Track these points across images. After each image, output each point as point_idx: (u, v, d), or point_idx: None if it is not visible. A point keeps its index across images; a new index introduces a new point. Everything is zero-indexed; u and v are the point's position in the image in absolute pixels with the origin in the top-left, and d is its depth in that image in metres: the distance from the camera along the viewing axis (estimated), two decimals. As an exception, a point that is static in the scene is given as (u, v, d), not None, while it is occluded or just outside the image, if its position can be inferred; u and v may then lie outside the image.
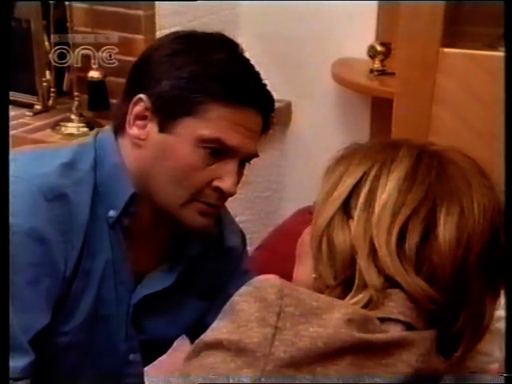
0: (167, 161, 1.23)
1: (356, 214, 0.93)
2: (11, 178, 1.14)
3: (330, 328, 0.83)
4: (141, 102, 1.23)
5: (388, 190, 0.92)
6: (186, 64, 1.22)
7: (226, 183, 1.23)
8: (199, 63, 1.22)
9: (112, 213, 1.26)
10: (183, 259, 1.35)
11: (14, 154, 1.26)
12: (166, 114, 1.22)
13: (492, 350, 1.03)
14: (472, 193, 0.93)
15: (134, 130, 1.25)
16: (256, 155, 1.28)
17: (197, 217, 1.25)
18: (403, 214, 0.90)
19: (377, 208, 0.91)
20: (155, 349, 1.42)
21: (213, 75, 1.21)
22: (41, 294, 1.18)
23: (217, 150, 1.22)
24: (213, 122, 1.20)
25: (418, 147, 0.97)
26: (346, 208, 0.94)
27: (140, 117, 1.24)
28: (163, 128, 1.22)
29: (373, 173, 0.94)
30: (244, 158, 1.26)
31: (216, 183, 1.23)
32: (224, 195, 1.25)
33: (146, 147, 1.24)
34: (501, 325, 1.02)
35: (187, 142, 1.21)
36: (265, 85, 1.28)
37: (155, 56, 1.26)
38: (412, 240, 0.90)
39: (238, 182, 1.26)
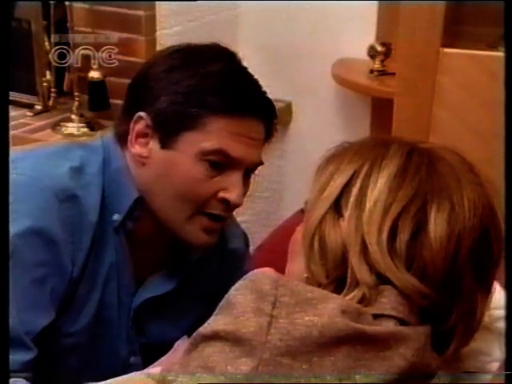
0: (171, 177, 1.23)
1: (347, 212, 0.93)
2: (23, 177, 1.15)
3: (325, 317, 0.84)
4: (141, 120, 1.24)
5: (378, 187, 0.92)
6: (183, 78, 1.22)
7: (231, 194, 1.23)
8: (195, 76, 1.22)
9: (116, 216, 1.26)
10: (185, 263, 1.35)
11: (23, 152, 1.27)
12: (167, 131, 1.22)
13: (492, 350, 1.03)
14: (462, 189, 0.93)
15: (136, 149, 1.25)
16: (260, 163, 1.27)
17: (200, 234, 1.25)
18: (394, 211, 0.91)
19: (367, 206, 0.92)
20: (156, 351, 1.42)
21: (209, 88, 1.21)
22: (46, 293, 1.19)
23: (220, 162, 1.21)
24: (214, 134, 1.20)
25: (408, 145, 0.97)
26: (337, 207, 0.94)
27: (141, 135, 1.24)
28: (165, 144, 1.22)
29: (363, 171, 0.94)
30: (249, 168, 1.26)
31: (222, 194, 1.23)
32: (230, 206, 1.25)
33: (149, 165, 1.25)
34: (501, 325, 1.02)
35: (190, 156, 1.21)
36: (264, 92, 1.27)
37: (152, 73, 1.26)
38: (403, 237, 0.90)
39: (244, 193, 1.25)
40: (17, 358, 1.10)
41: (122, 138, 1.28)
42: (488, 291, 0.96)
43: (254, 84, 1.26)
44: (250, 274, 0.90)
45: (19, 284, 1.09)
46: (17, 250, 1.12)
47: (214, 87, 1.21)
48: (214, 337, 0.85)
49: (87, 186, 1.24)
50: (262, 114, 1.25)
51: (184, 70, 1.23)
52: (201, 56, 1.26)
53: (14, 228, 1.08)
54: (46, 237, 1.17)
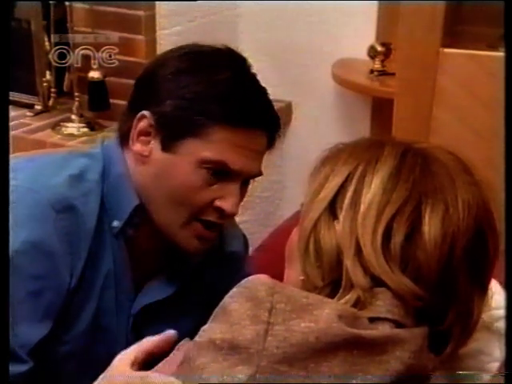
0: (169, 180, 1.22)
1: (342, 214, 0.92)
2: (20, 189, 1.14)
3: (322, 323, 0.83)
4: (144, 119, 1.23)
5: (373, 189, 0.92)
6: (190, 84, 1.21)
7: (227, 203, 1.23)
8: (203, 83, 1.21)
9: (116, 223, 1.26)
10: (184, 267, 1.34)
11: (22, 161, 1.26)
12: (169, 134, 1.22)
13: (492, 350, 1.03)
14: (456, 190, 0.93)
15: (137, 146, 1.25)
16: (259, 174, 1.27)
17: (193, 240, 1.25)
18: (388, 212, 0.90)
19: (362, 207, 0.91)
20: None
21: (215, 97, 1.20)
22: (42, 306, 1.18)
23: (219, 172, 1.21)
24: (216, 144, 1.20)
25: (403, 146, 0.97)
26: (332, 208, 0.94)
27: (143, 133, 1.24)
28: (166, 147, 1.22)
29: (358, 172, 0.93)
30: (247, 178, 1.26)
31: (217, 203, 1.23)
32: (224, 215, 1.24)
33: (148, 164, 1.24)
34: (501, 325, 1.02)
35: (189, 163, 1.21)
36: (270, 103, 1.26)
37: (160, 73, 1.25)
38: (397, 238, 0.90)
39: (240, 202, 1.25)
40: (11, 370, 1.09)
41: (124, 136, 1.27)
42: (484, 291, 0.96)
43: (260, 95, 1.25)
44: (244, 280, 0.89)
45: (15, 296, 1.07)
46: (13, 262, 1.11)
47: (220, 96, 1.20)
48: (209, 346, 0.85)
49: (87, 194, 1.24)
50: (267, 126, 1.24)
51: (192, 75, 1.22)
52: (210, 62, 1.25)
53: (10, 240, 1.07)
54: (42, 249, 1.17)
